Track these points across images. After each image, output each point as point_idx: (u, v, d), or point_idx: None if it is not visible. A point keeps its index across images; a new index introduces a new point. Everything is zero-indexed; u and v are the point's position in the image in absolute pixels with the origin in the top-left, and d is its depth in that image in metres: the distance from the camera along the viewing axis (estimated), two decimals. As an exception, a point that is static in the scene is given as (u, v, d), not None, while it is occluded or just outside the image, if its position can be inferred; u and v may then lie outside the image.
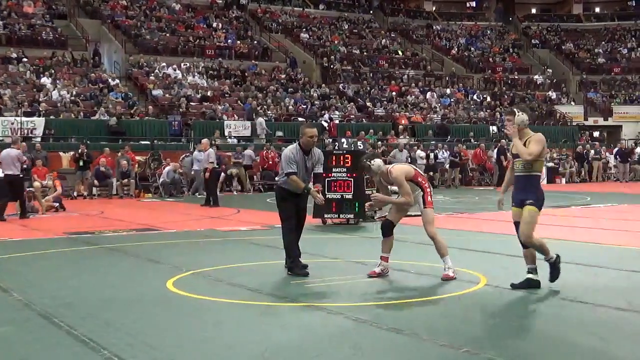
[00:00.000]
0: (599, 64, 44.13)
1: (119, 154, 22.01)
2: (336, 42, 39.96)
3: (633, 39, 46.34)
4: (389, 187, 7.85)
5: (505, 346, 5.17)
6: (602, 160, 30.53)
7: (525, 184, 6.96)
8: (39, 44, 30.67)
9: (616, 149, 30.13)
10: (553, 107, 39.20)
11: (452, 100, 36.53)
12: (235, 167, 23.22)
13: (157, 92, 29.03)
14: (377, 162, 7.65)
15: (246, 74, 33.27)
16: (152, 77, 30.29)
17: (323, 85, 34.75)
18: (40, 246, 10.57)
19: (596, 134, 38.44)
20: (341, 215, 13.11)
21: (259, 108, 29.12)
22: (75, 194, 21.17)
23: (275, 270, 8.13)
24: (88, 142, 22.20)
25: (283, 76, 34.29)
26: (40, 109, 24.73)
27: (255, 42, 37.26)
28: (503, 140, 25.52)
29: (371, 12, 47.47)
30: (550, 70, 43.52)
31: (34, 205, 16.14)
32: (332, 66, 36.98)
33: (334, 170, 13.03)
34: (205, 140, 19.28)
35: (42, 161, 19.37)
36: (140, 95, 29.50)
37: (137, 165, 22.28)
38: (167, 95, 28.98)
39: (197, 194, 21.35)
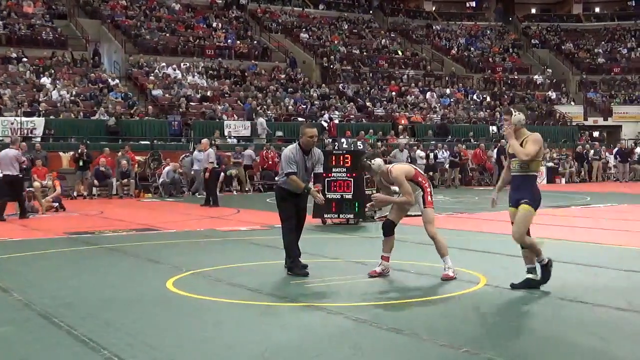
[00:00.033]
0: (598, 64, 44.13)
1: (119, 154, 22.01)
2: (336, 42, 39.96)
3: (633, 39, 46.34)
4: (391, 187, 7.85)
5: (505, 346, 5.17)
6: (602, 160, 30.53)
7: (522, 184, 6.95)
8: (39, 44, 30.67)
9: (616, 149, 30.13)
10: (553, 107, 39.21)
11: (452, 100, 36.53)
12: (234, 168, 23.23)
13: (157, 92, 29.03)
14: (378, 161, 7.65)
15: (246, 74, 33.27)
16: (152, 77, 30.29)
17: (323, 85, 34.75)
18: (40, 246, 10.57)
19: (596, 134, 38.43)
20: (341, 215, 13.11)
21: (258, 108, 29.13)
22: (75, 194, 21.17)
23: (275, 270, 8.13)
24: (88, 142, 22.20)
25: (283, 76, 34.29)
26: (40, 109, 24.73)
27: (255, 42, 37.26)
28: (503, 140, 25.48)
29: (371, 12, 47.47)
30: (550, 70, 43.53)
31: (34, 205, 16.14)
32: (331, 66, 36.98)
33: (333, 170, 13.02)
34: (205, 140, 19.28)
35: (42, 161, 19.35)
36: (140, 95, 29.50)
37: (137, 165, 22.28)
38: (167, 95, 28.97)
39: (197, 194, 21.35)
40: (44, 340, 5.37)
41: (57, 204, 16.86)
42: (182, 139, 26.10)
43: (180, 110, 27.58)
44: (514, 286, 6.96)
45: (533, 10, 54.18)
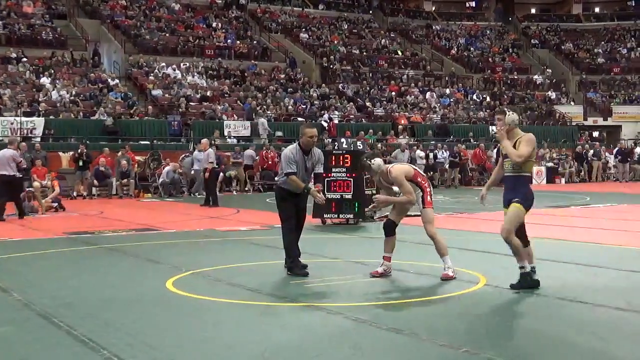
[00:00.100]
0: (598, 64, 44.12)
1: (119, 153, 22.00)
2: (336, 42, 39.96)
3: (632, 39, 46.34)
4: (392, 187, 7.86)
5: (505, 346, 5.17)
6: (602, 160, 30.54)
7: (515, 184, 6.97)
8: (39, 44, 30.68)
9: (616, 149, 30.15)
10: (552, 107, 39.22)
11: (451, 100, 36.54)
12: (234, 168, 23.23)
13: (157, 92, 29.03)
14: (377, 161, 7.66)
15: (246, 74, 33.27)
16: (151, 77, 30.29)
17: (323, 85, 34.75)
18: (40, 246, 10.57)
19: (596, 134, 38.45)
20: (341, 215, 13.12)
21: (258, 108, 29.13)
22: (74, 194, 21.17)
23: (275, 270, 8.13)
24: (87, 142, 22.21)
25: (282, 76, 34.29)
26: (40, 109, 24.73)
27: (254, 42, 37.26)
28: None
29: (371, 12, 47.47)
30: (550, 70, 43.52)
31: (34, 205, 16.13)
32: (331, 66, 36.98)
33: (333, 170, 13.02)
34: (204, 140, 19.27)
35: (41, 161, 19.33)
36: (139, 95, 29.50)
37: (136, 165, 22.28)
38: (166, 95, 28.97)
39: (197, 194, 21.35)
40: (43, 340, 5.37)
41: (56, 204, 16.86)
42: (181, 139, 26.10)
43: (180, 110, 27.59)
44: (513, 286, 6.95)
45: (533, 10, 54.20)
